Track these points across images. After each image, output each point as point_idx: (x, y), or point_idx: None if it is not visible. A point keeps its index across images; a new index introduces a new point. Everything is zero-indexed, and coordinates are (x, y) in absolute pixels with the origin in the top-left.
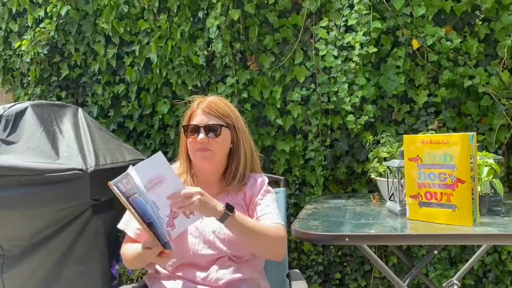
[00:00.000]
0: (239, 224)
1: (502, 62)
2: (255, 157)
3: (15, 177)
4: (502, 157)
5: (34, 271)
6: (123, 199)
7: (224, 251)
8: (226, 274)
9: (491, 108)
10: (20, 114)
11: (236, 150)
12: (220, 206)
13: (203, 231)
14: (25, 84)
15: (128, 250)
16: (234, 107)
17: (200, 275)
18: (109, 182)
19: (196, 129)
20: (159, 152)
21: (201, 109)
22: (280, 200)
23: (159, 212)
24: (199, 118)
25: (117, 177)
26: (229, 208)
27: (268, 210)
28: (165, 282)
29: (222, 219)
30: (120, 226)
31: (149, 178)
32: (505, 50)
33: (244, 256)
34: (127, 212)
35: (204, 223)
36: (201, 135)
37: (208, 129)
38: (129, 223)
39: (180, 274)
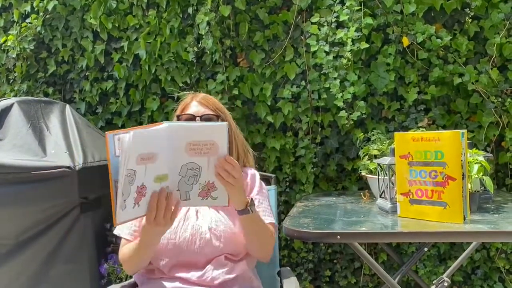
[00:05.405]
0: (255, 220)
1: (491, 60)
2: (249, 153)
3: (1, 175)
4: (492, 155)
5: (21, 270)
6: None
7: (220, 248)
8: (221, 274)
9: (480, 106)
10: (6, 110)
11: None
12: (246, 198)
13: (200, 229)
14: (11, 80)
15: (127, 248)
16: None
17: (195, 274)
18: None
19: (191, 119)
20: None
21: (196, 101)
22: (271, 197)
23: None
24: (195, 109)
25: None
26: (253, 203)
27: (261, 208)
28: (156, 281)
29: (244, 211)
30: (115, 232)
31: (146, 152)
32: (494, 48)
33: (240, 253)
34: None
35: (200, 220)
36: None
37: (206, 119)
38: (123, 227)
39: (173, 273)
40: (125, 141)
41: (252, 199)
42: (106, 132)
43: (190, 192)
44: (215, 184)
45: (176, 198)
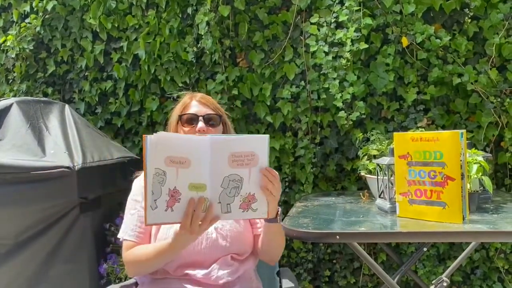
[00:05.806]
0: (279, 228)
1: (491, 60)
2: None
3: (1, 175)
4: (491, 155)
5: (20, 270)
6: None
7: (227, 248)
8: (226, 274)
9: (479, 106)
10: (5, 110)
11: None
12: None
13: None
14: (11, 80)
15: (141, 251)
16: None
17: (200, 271)
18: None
19: (194, 119)
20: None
21: (196, 100)
22: None
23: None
24: (196, 108)
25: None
26: (281, 212)
27: None
28: (159, 281)
29: (274, 220)
30: (120, 235)
31: (175, 156)
32: (493, 48)
33: (246, 252)
34: (124, 221)
35: None
36: (201, 124)
37: (208, 119)
38: (127, 230)
39: (178, 272)
40: (151, 140)
41: (279, 208)
42: (144, 135)
43: (231, 205)
44: (255, 196)
45: (216, 212)
